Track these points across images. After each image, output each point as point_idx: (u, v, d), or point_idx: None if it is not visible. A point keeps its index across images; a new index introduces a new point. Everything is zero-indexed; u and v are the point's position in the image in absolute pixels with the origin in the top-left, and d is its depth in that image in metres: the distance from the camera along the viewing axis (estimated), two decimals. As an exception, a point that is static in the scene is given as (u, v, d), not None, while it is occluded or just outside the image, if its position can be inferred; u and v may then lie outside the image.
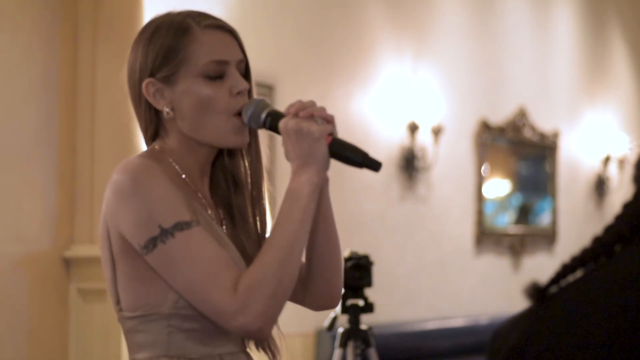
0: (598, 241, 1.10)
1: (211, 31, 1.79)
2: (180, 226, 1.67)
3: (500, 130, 6.95)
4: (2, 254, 4.32)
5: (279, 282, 1.66)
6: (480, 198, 6.80)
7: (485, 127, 6.81)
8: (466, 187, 6.72)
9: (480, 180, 6.80)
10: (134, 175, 1.68)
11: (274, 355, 1.85)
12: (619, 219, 1.11)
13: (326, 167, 1.74)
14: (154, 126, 1.82)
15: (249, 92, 1.82)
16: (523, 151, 7.31)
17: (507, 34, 7.14)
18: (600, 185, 7.97)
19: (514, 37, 7.22)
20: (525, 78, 7.29)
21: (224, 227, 1.83)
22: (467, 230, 6.74)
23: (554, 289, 1.08)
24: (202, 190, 1.83)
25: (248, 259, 1.78)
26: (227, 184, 1.87)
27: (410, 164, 6.16)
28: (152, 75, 1.77)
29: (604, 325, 1.03)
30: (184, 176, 1.80)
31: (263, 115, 1.76)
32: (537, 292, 1.09)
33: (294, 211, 1.70)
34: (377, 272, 3.59)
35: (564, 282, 1.09)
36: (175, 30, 1.77)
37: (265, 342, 1.83)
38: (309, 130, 1.68)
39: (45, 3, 4.49)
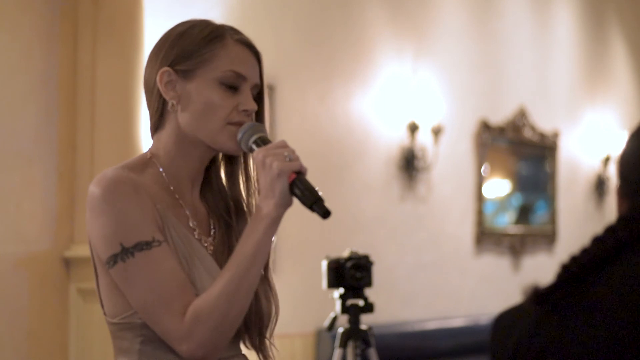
0: (599, 243, 1.09)
1: (242, 46, 1.84)
2: (141, 246, 1.71)
3: (500, 130, 6.95)
4: (2, 254, 4.32)
5: (224, 315, 1.69)
6: (480, 198, 6.80)
7: (485, 127, 6.81)
8: (466, 187, 6.72)
9: (480, 180, 6.80)
10: (103, 190, 1.72)
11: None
12: (621, 221, 1.10)
13: (286, 203, 1.72)
14: (158, 116, 1.85)
15: (259, 118, 1.86)
16: (523, 151, 7.31)
17: (507, 33, 7.14)
18: (600, 185, 7.97)
19: (514, 37, 7.22)
20: (525, 78, 7.29)
21: (213, 237, 1.87)
22: (467, 230, 6.74)
23: (555, 291, 1.08)
24: (189, 200, 1.86)
25: None
26: (226, 204, 1.90)
27: (410, 164, 6.16)
28: (171, 65, 1.82)
29: (609, 325, 1.03)
30: (170, 186, 1.83)
31: (251, 140, 1.79)
32: (537, 296, 1.08)
33: (246, 245, 1.72)
34: (377, 272, 3.59)
35: (565, 283, 1.09)
36: (209, 32, 1.83)
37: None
38: (270, 165, 1.70)
39: (45, 3, 4.49)
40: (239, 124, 1.80)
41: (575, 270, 1.08)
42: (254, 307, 1.82)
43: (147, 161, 1.84)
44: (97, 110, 4.53)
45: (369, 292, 3.53)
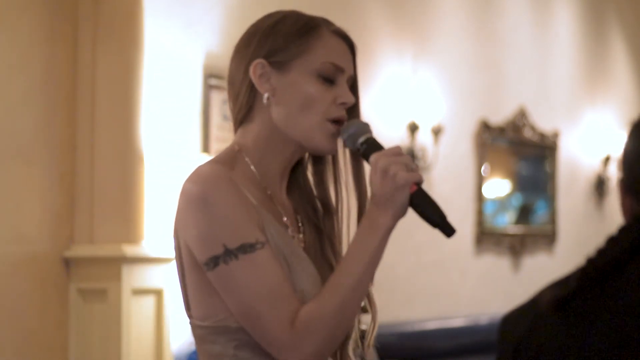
0: (604, 254, 1.09)
1: (338, 37, 1.80)
2: (245, 248, 1.62)
3: (500, 130, 6.95)
4: (2, 254, 4.31)
5: (337, 324, 1.64)
6: (480, 198, 6.80)
7: (485, 127, 6.81)
8: (466, 187, 6.72)
9: (480, 180, 6.80)
10: (203, 187, 1.63)
11: None
12: (625, 231, 1.10)
13: (403, 214, 1.69)
14: (247, 110, 1.77)
15: (355, 111, 1.81)
16: (523, 151, 7.31)
17: (507, 33, 7.14)
18: (600, 185, 7.96)
19: (514, 37, 7.22)
20: (525, 78, 7.29)
21: (302, 234, 1.80)
22: (467, 230, 6.74)
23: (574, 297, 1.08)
24: (279, 196, 1.79)
25: (328, 272, 1.74)
26: (313, 205, 1.83)
27: (410, 164, 6.15)
28: (265, 57, 1.74)
29: (608, 330, 1.03)
30: (261, 182, 1.76)
31: (361, 140, 1.74)
32: (557, 303, 1.08)
33: (362, 253, 1.67)
34: (377, 272, 3.59)
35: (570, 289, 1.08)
36: (304, 23, 1.77)
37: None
38: (395, 174, 1.65)
39: (45, 3, 4.49)
40: (337, 121, 1.75)
41: (593, 275, 1.07)
42: None
43: (235, 155, 1.75)
44: (97, 110, 4.53)
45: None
